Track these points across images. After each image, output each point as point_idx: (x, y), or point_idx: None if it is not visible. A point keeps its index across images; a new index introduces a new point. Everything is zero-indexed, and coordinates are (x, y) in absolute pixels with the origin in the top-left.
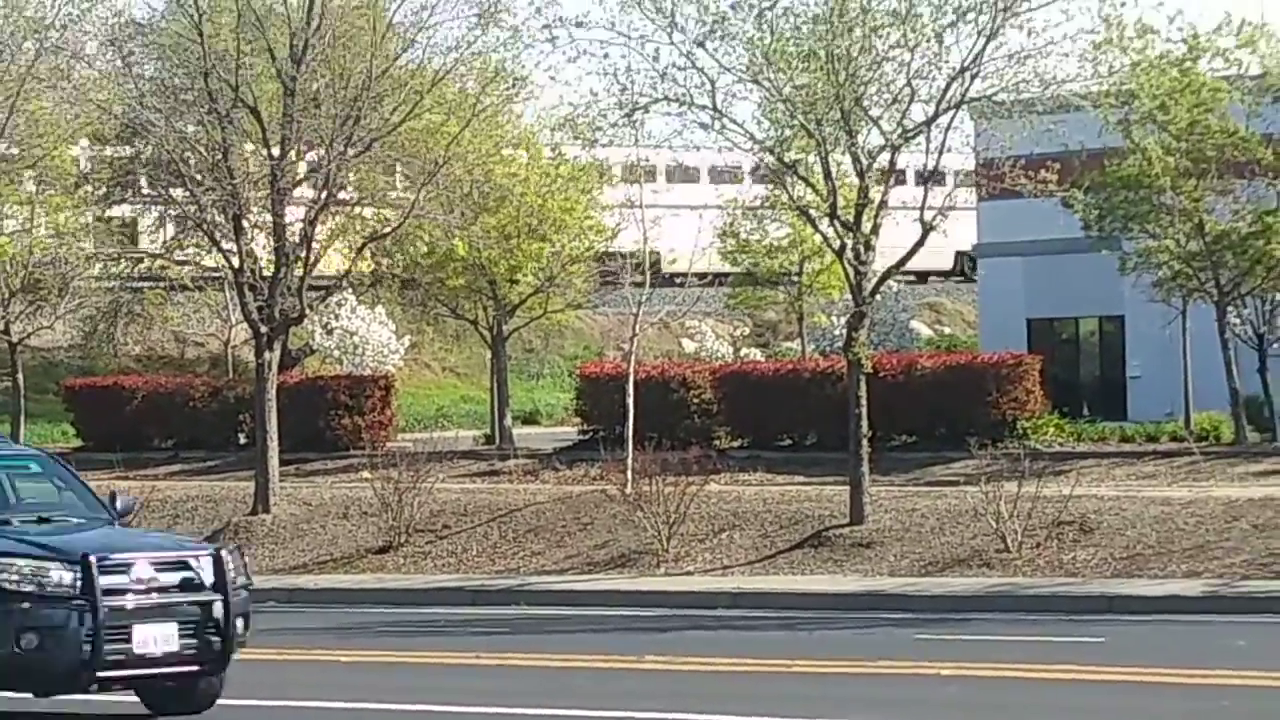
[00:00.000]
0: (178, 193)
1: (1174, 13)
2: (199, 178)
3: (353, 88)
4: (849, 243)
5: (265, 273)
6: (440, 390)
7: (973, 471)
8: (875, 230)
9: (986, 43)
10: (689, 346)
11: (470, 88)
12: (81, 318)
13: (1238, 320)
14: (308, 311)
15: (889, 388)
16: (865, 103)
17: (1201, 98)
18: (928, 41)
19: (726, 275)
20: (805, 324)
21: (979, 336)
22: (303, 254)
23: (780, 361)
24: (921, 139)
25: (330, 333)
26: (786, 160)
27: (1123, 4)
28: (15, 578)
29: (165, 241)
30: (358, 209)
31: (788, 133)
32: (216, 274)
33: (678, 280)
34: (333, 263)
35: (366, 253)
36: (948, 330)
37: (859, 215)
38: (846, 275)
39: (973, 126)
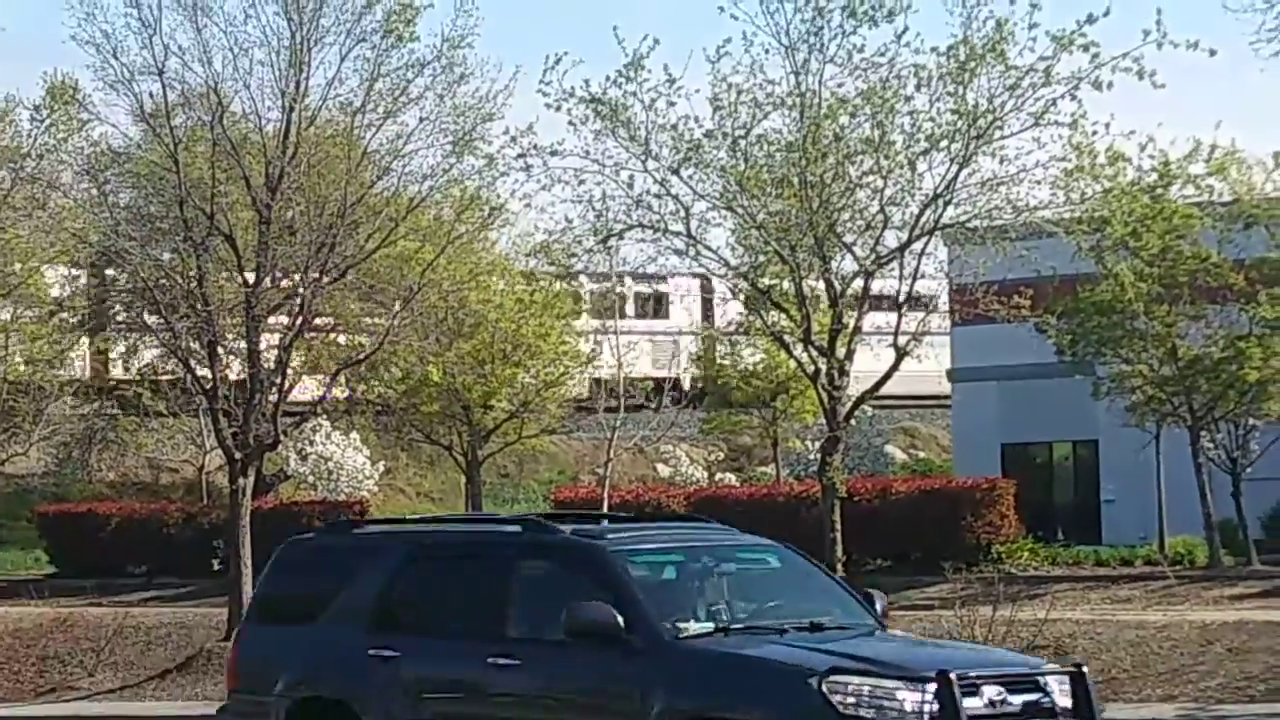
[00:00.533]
0: (152, 319)
1: (1145, 140)
2: (174, 305)
3: (328, 215)
4: (823, 368)
5: (240, 399)
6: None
7: (948, 595)
8: (849, 355)
9: (959, 170)
10: (664, 471)
11: (445, 215)
12: (56, 444)
13: (1211, 444)
14: (282, 437)
15: (864, 512)
16: (839, 229)
17: (1173, 224)
18: (901, 169)
19: (702, 397)
20: (780, 448)
21: (953, 461)
22: (277, 380)
23: (755, 486)
24: (895, 265)
25: (305, 458)
26: (761, 286)
27: (1094, 132)
28: (851, 700)
29: (140, 368)
30: (332, 335)
31: (762, 259)
32: (191, 400)
33: (651, 405)
34: (307, 389)
35: (341, 379)
36: (922, 455)
37: (833, 340)
38: (821, 400)
39: (946, 252)
